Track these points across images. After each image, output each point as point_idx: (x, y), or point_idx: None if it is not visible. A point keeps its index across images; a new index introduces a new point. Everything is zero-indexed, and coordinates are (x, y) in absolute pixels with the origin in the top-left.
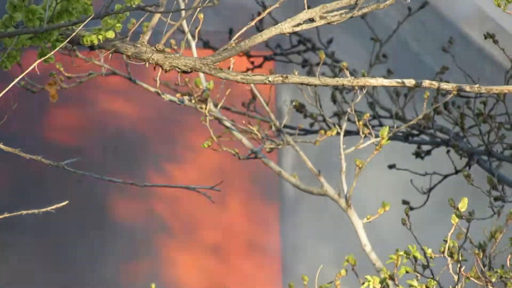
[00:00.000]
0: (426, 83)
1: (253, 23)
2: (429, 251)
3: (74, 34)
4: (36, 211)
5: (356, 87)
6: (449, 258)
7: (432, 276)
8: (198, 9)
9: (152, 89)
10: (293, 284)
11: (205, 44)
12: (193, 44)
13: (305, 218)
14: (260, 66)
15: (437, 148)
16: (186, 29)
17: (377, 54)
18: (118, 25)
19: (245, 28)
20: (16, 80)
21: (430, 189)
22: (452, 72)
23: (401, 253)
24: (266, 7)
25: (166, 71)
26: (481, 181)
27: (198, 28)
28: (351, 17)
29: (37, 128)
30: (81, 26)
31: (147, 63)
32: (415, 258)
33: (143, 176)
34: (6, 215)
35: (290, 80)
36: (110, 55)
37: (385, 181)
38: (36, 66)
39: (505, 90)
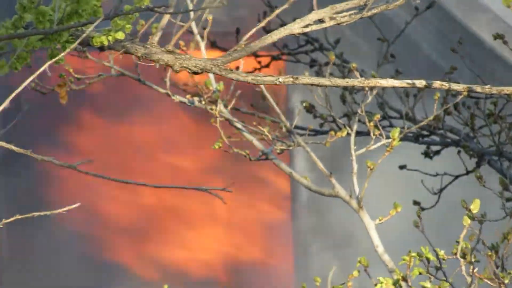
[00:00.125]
0: (436, 84)
1: (262, 24)
2: (441, 252)
3: (84, 35)
4: (48, 212)
5: (366, 88)
6: (462, 260)
7: (445, 278)
8: (207, 10)
9: (162, 90)
10: (305, 285)
11: (212, 44)
12: (202, 45)
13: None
14: (267, 66)
15: (447, 148)
16: (195, 30)
17: (385, 54)
18: (127, 26)
19: (254, 29)
20: (27, 81)
21: (441, 190)
22: (462, 73)
23: (414, 254)
24: (273, 7)
25: (176, 72)
26: (492, 181)
27: (207, 29)
28: (361, 18)
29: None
30: (92, 27)
31: (157, 64)
32: (428, 259)
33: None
34: (17, 216)
35: (300, 81)
36: (121, 56)
37: (396, 182)
38: (47, 68)
39: None
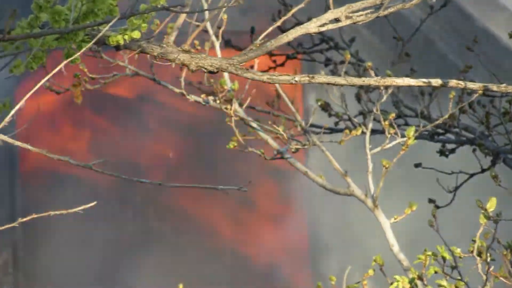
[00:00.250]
0: (452, 82)
1: (278, 23)
2: (458, 250)
3: (100, 34)
4: (64, 211)
5: (382, 87)
6: (478, 258)
7: (460, 277)
8: (224, 9)
9: (177, 90)
10: (321, 284)
11: (226, 43)
12: (217, 44)
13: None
14: (282, 64)
15: (462, 146)
16: (210, 29)
17: (400, 53)
18: (143, 25)
19: (270, 29)
20: (43, 80)
21: (457, 188)
22: (478, 71)
23: (429, 253)
24: (288, 6)
25: (192, 72)
26: (508, 179)
27: (222, 29)
28: (377, 17)
29: None
30: (107, 26)
31: (173, 64)
32: (444, 258)
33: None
34: (34, 215)
35: (316, 80)
36: (136, 55)
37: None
38: (63, 67)
39: None
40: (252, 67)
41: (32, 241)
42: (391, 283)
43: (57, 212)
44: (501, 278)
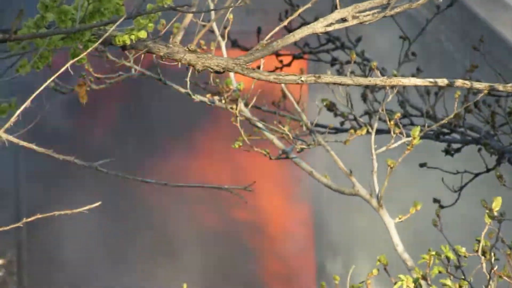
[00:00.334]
0: (459, 82)
1: (285, 23)
2: (462, 250)
3: (107, 34)
4: (69, 211)
5: (387, 86)
6: (482, 257)
7: (463, 276)
8: (230, 9)
9: (183, 90)
10: (325, 284)
11: (233, 43)
12: (223, 44)
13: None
14: (289, 64)
15: (467, 146)
16: (216, 29)
17: (406, 52)
18: (150, 25)
19: (277, 28)
20: (49, 80)
21: (461, 188)
22: (484, 71)
23: (433, 253)
24: (294, 6)
25: (198, 71)
26: None
27: (228, 28)
28: (384, 16)
29: None
30: (114, 26)
31: (179, 63)
32: (448, 258)
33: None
34: (39, 216)
35: (323, 80)
36: (142, 55)
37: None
38: (69, 67)
39: None
40: (258, 67)
41: (37, 241)
42: (395, 283)
43: (62, 212)
44: (505, 278)
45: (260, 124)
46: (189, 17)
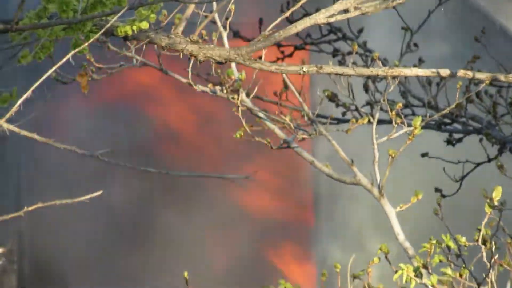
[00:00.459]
0: (460, 72)
1: (287, 14)
2: (463, 239)
3: (108, 25)
4: (69, 201)
5: (389, 77)
6: (482, 246)
7: (464, 265)
8: (232, 0)
9: (184, 80)
10: (326, 272)
11: (234, 34)
12: (225, 35)
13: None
14: (290, 55)
15: (469, 136)
16: (218, 20)
17: (408, 43)
18: (152, 15)
19: (279, 19)
20: (50, 71)
21: (463, 177)
22: (485, 62)
23: (434, 242)
24: None
25: (200, 62)
26: None
27: (230, 19)
28: (386, 7)
29: None
30: (116, 17)
31: (181, 54)
32: (449, 247)
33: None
34: (39, 205)
35: (324, 70)
36: (144, 46)
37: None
38: (70, 57)
39: None
40: (260, 58)
41: (37, 230)
42: (396, 271)
43: (63, 201)
44: (506, 266)
45: (261, 114)
46: (191, 7)
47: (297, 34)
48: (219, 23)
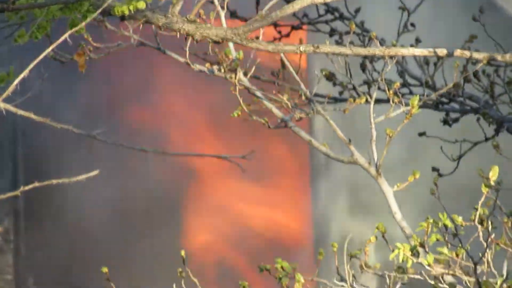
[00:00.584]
0: (457, 52)
1: None
2: (459, 219)
3: (105, 4)
4: (67, 180)
5: (386, 56)
6: (479, 226)
7: (460, 244)
8: None
9: (182, 60)
10: (323, 251)
11: (232, 14)
12: (222, 14)
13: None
14: (287, 35)
15: (466, 115)
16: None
17: (405, 23)
18: None
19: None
20: (47, 50)
21: (460, 156)
22: (483, 42)
23: (431, 221)
24: None
25: (197, 42)
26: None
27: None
28: None
29: None
30: None
31: (178, 33)
32: (446, 226)
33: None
34: (36, 184)
35: (321, 50)
36: (141, 25)
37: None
38: (67, 37)
39: None
40: (257, 37)
41: (34, 209)
42: (393, 250)
43: (59, 181)
44: (502, 246)
45: (259, 93)
46: None
47: (294, 14)
48: (216, 3)
